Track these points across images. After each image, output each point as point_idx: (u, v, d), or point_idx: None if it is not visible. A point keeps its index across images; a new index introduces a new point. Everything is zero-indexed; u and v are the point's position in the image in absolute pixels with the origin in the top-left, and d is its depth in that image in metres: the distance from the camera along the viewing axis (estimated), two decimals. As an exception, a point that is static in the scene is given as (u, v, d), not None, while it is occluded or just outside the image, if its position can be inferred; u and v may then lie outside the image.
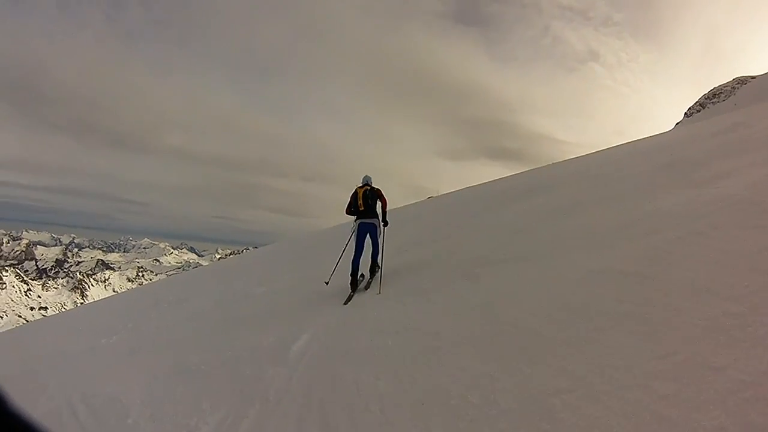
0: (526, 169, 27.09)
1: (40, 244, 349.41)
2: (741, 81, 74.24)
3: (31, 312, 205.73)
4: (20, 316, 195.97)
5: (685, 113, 79.02)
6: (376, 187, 8.89)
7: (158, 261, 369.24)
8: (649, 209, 7.33)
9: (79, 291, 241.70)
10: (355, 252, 8.56)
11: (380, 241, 8.87)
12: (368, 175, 9.09)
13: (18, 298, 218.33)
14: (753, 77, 73.19)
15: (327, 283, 8.81)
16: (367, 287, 8.55)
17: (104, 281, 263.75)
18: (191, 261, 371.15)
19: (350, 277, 8.43)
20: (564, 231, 8.02)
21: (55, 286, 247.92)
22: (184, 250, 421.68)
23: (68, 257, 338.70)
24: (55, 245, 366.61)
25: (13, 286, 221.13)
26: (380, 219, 8.92)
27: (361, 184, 8.94)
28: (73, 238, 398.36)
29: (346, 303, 7.95)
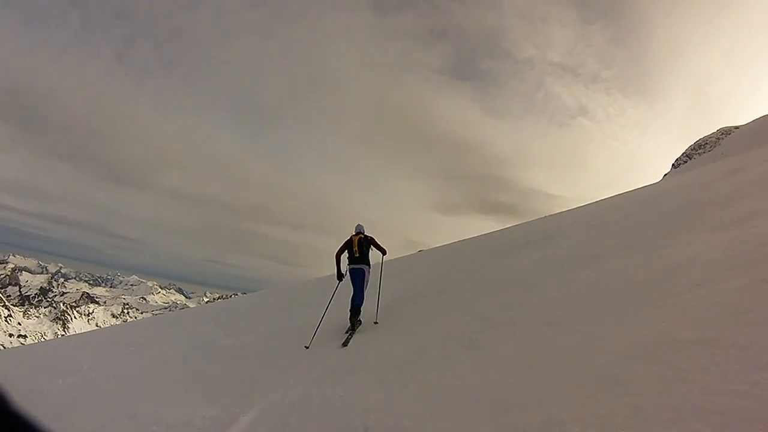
0: (520, 222, 26.52)
1: (26, 270, 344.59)
2: (725, 131, 76.15)
3: (9, 339, 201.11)
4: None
5: (673, 164, 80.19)
6: (369, 235, 9.37)
7: (145, 299, 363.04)
8: (680, 258, 6.40)
9: (61, 322, 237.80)
10: (354, 293, 8.99)
11: (365, 288, 9.14)
12: (361, 223, 9.53)
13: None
14: (737, 127, 74.81)
15: (307, 348, 8.22)
16: (345, 343, 8.08)
17: (88, 314, 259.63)
18: (178, 302, 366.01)
19: (350, 314, 8.80)
20: (582, 286, 6.95)
21: (37, 314, 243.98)
22: (172, 291, 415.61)
23: (53, 287, 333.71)
24: (42, 273, 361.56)
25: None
26: (370, 266, 9.31)
27: (355, 232, 9.37)
28: (60, 268, 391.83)
29: (344, 345, 7.94)
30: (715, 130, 78.55)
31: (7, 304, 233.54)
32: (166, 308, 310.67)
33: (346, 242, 9.27)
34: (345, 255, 9.34)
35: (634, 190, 22.72)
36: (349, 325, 8.71)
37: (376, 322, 8.79)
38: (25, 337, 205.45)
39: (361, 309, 8.93)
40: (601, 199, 23.68)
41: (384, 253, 9.47)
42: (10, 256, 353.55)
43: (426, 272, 14.52)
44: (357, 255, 9.12)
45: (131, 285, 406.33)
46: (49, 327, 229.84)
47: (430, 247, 29.39)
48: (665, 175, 72.71)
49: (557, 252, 10.47)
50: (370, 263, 9.31)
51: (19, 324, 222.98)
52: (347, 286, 9.31)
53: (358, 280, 9.08)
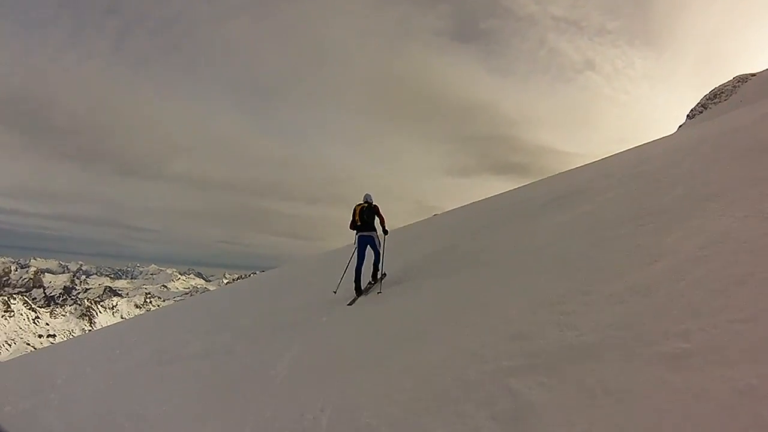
0: (534, 181, 25.18)
1: (48, 272, 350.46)
2: (741, 79, 74.59)
3: (40, 340, 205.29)
4: (28, 344, 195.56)
5: (688, 115, 79.08)
6: (374, 204, 9.87)
7: (166, 287, 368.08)
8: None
9: (87, 318, 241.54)
10: (357, 261, 9.64)
11: (380, 250, 9.95)
12: (369, 193, 10.07)
13: (26, 326, 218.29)
14: (753, 74, 73.01)
15: (335, 293, 9.91)
16: (368, 292, 9.59)
17: (112, 308, 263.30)
18: (198, 286, 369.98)
19: (354, 284, 9.50)
20: (680, 260, 4.89)
21: (63, 313, 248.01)
22: (191, 276, 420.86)
23: (76, 284, 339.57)
24: (63, 272, 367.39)
25: (21, 314, 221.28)
26: (377, 232, 9.90)
27: (361, 202, 9.88)
28: (81, 266, 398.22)
29: (350, 304, 9.01)
30: (731, 78, 76.74)
31: (33, 306, 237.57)
32: (187, 293, 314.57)
33: (353, 212, 9.83)
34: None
35: (658, 139, 21.68)
36: (354, 296, 9.41)
37: (379, 292, 9.28)
38: (54, 336, 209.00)
39: (380, 267, 9.97)
40: (621, 151, 22.44)
41: (383, 223, 9.97)
42: (32, 260, 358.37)
43: (444, 238, 13.30)
44: (359, 223, 9.69)
45: (151, 274, 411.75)
46: (76, 324, 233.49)
47: (445, 211, 28.88)
48: (680, 126, 71.40)
49: (596, 210, 9.00)
50: (377, 230, 9.90)
51: (47, 324, 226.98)
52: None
53: (366, 247, 9.75)
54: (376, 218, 9.80)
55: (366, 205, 9.78)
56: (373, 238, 9.76)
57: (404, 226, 22.38)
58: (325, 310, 9.00)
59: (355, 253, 9.80)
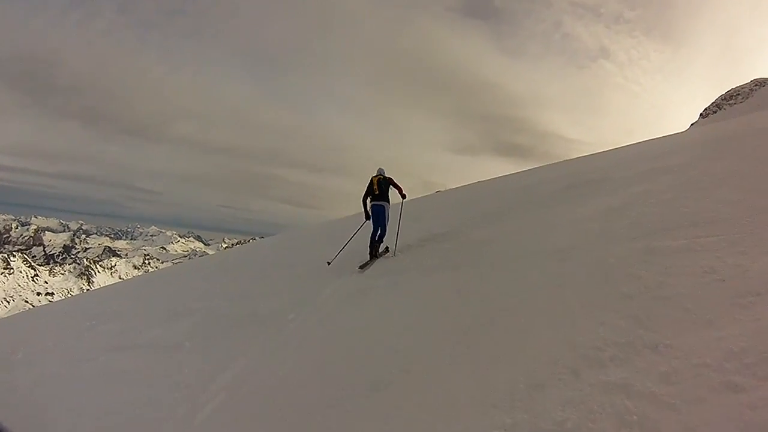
0: (541, 165, 24.24)
1: (48, 230, 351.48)
2: (759, 83, 73.97)
3: (38, 297, 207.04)
4: (27, 302, 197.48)
5: (701, 114, 78.44)
6: (388, 176, 10.55)
7: (165, 249, 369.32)
8: None
9: (85, 277, 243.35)
10: (373, 228, 10.41)
11: (387, 225, 10.46)
12: (381, 167, 10.84)
13: (25, 284, 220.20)
14: None
15: (329, 263, 10.27)
16: (365, 265, 9.83)
17: (110, 268, 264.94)
18: (197, 249, 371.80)
19: (369, 249, 10.22)
20: None
21: (62, 272, 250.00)
22: (191, 239, 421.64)
23: (76, 244, 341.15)
24: (63, 231, 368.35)
25: (21, 272, 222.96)
26: (390, 204, 10.51)
27: (375, 174, 10.57)
28: (81, 225, 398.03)
29: (362, 268, 9.59)
30: (749, 81, 75.75)
31: (33, 264, 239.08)
32: (185, 257, 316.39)
33: (369, 184, 10.50)
34: (369, 198, 10.52)
35: (672, 135, 20.91)
36: (367, 259, 10.04)
37: (393, 255, 10.10)
38: (52, 294, 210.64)
39: (384, 239, 10.51)
40: (632, 143, 21.64)
41: (401, 190, 10.53)
42: (32, 218, 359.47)
43: (446, 222, 12.17)
44: (377, 193, 10.34)
45: (151, 236, 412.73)
46: (75, 283, 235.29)
47: (447, 188, 28.35)
48: (693, 124, 70.78)
49: (624, 207, 7.64)
50: (390, 201, 10.52)
51: (46, 282, 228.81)
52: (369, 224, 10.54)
53: (380, 215, 10.36)
54: (391, 189, 10.50)
55: (381, 177, 10.50)
56: (385, 208, 10.40)
57: (405, 201, 21.87)
58: (301, 300, 8.18)
59: (370, 221, 10.49)
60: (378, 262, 9.90)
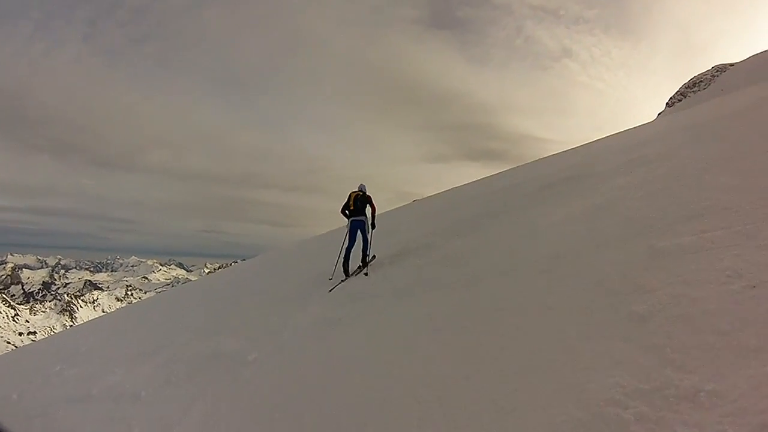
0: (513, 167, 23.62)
1: (25, 267, 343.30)
2: (720, 69, 76.19)
3: (20, 337, 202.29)
4: (9, 342, 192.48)
5: (667, 103, 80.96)
6: (368, 194, 10.54)
7: (147, 278, 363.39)
8: None
9: (67, 313, 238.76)
10: (348, 244, 10.34)
11: (369, 237, 10.48)
12: (363, 183, 10.80)
13: (6, 324, 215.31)
14: (731, 64, 74.82)
15: (330, 279, 10.23)
16: (357, 273, 10.10)
17: (93, 302, 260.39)
18: (180, 277, 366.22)
19: (342, 266, 10.17)
20: None
21: (43, 309, 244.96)
22: (172, 266, 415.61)
23: (55, 279, 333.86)
24: (41, 267, 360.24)
25: (0, 312, 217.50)
26: (368, 220, 10.46)
27: (356, 189, 10.58)
28: (59, 260, 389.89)
29: (341, 282, 9.71)
30: (710, 68, 78.30)
31: (12, 303, 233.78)
32: (168, 285, 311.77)
33: (347, 199, 10.46)
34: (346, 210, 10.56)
35: (641, 126, 20.80)
36: (343, 276, 10.02)
37: (366, 274, 9.91)
38: (35, 333, 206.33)
39: (368, 251, 10.47)
40: (604, 137, 21.44)
41: (373, 210, 10.56)
42: (8, 256, 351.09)
43: (419, 234, 11.99)
44: (352, 208, 10.36)
45: (132, 266, 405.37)
46: (57, 320, 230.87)
47: (423, 197, 28.16)
48: (660, 113, 73.06)
49: (609, 204, 7.16)
50: (367, 216, 10.48)
51: (27, 321, 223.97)
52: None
53: (357, 231, 10.33)
54: (368, 207, 10.46)
55: (360, 193, 10.50)
56: (364, 223, 10.39)
57: (380, 214, 21.62)
58: (265, 335, 7.70)
59: (347, 236, 10.42)
60: (349, 283, 9.57)
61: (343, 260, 10.26)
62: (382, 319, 6.84)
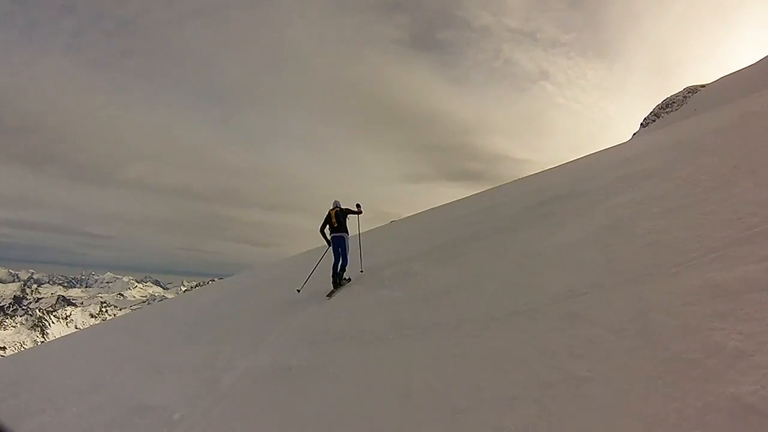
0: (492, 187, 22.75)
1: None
2: (691, 90, 79.73)
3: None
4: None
5: (641, 123, 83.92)
6: (344, 207, 10.89)
7: (122, 295, 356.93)
8: None
9: (39, 329, 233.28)
10: (334, 259, 10.58)
11: (348, 256, 10.66)
12: (337, 199, 11.03)
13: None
14: (703, 86, 78.57)
15: (299, 291, 10.75)
16: (331, 293, 10.01)
17: (65, 318, 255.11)
18: (156, 294, 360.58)
19: (332, 278, 10.33)
20: None
21: (14, 324, 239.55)
22: (148, 284, 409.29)
23: (27, 294, 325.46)
24: (13, 281, 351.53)
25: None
26: (349, 234, 10.76)
27: (332, 207, 10.85)
28: (32, 274, 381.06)
29: (329, 296, 9.85)
30: (682, 89, 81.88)
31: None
32: (144, 302, 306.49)
33: (326, 217, 10.75)
34: (327, 228, 10.76)
35: (619, 145, 20.47)
36: (332, 288, 10.16)
37: (361, 271, 10.89)
38: (4, 348, 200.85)
39: (346, 269, 10.62)
40: (583, 156, 20.75)
41: (358, 209, 11.06)
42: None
43: (396, 259, 11.19)
44: (336, 225, 10.62)
45: (107, 282, 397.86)
46: (27, 335, 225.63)
47: (402, 218, 27.41)
48: (635, 134, 75.36)
49: (618, 224, 6.24)
50: (348, 231, 10.81)
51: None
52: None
53: (340, 246, 10.57)
54: (348, 219, 10.86)
55: (338, 209, 10.79)
56: (345, 239, 10.62)
57: (354, 235, 20.79)
58: (200, 385, 6.59)
59: (331, 251, 10.71)
60: (310, 324, 8.20)
61: (332, 274, 10.38)
62: (344, 374, 5.51)
